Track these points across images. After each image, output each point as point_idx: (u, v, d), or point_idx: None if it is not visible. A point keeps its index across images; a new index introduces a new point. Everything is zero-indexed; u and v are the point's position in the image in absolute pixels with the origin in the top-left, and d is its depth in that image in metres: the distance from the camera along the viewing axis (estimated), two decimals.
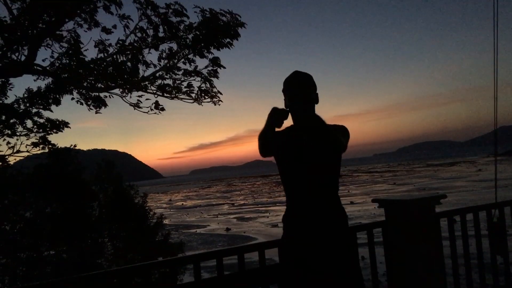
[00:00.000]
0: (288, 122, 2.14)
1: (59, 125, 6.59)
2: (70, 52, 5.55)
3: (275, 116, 1.98)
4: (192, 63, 5.88)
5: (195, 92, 6.08)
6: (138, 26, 5.46)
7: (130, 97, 5.96)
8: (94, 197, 14.09)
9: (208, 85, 6.02)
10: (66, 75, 5.73)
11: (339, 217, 2.05)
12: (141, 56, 5.73)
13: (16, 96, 6.19)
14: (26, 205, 12.05)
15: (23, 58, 5.03)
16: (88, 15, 5.48)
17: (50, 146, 6.61)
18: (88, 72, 5.67)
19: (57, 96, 6.22)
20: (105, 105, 6.19)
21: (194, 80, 6.03)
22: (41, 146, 6.50)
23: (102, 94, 6.08)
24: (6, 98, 5.96)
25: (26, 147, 6.34)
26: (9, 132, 6.15)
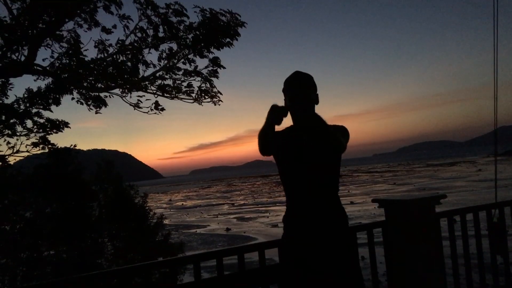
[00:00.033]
0: (288, 122, 2.13)
1: (59, 125, 6.59)
2: (70, 52, 5.55)
3: (275, 113, 1.97)
4: (192, 63, 5.89)
5: (195, 92, 6.09)
6: (138, 26, 5.47)
7: (130, 97, 5.97)
8: (94, 197, 14.09)
9: (208, 85, 6.03)
10: (66, 75, 5.73)
11: (339, 217, 2.05)
12: (141, 56, 5.73)
13: (16, 96, 6.19)
14: (26, 205, 12.04)
15: (23, 58, 5.03)
16: (88, 15, 5.48)
17: (50, 146, 6.60)
18: (88, 72, 5.67)
19: (57, 96, 6.21)
20: (105, 105, 6.19)
21: (194, 80, 6.04)
22: (41, 146, 6.49)
23: (102, 94, 6.09)
24: (6, 98, 5.96)
25: (26, 147, 6.33)
26: (9, 132, 6.14)
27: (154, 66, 5.86)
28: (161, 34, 5.60)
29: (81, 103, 6.20)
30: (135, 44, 5.63)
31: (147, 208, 16.04)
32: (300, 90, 2.01)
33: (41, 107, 6.31)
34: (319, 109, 2.05)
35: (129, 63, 5.72)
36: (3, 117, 6.01)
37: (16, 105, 6.15)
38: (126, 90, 5.91)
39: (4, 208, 11.03)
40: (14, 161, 6.65)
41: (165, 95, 6.04)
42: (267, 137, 2.00)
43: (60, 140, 7.19)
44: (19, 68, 5.00)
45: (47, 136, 6.52)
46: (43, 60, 5.59)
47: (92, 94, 6.10)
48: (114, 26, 5.47)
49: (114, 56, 5.68)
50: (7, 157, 6.12)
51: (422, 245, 2.66)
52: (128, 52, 5.69)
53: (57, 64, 5.66)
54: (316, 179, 2.01)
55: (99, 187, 15.37)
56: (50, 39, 5.50)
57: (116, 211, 14.18)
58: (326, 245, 1.97)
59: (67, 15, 5.06)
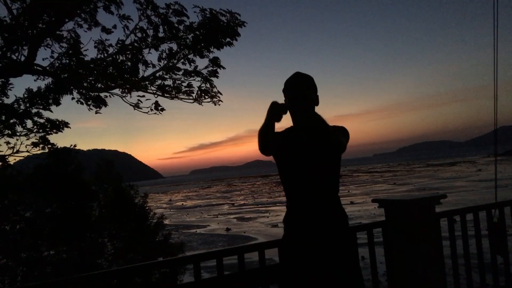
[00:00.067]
0: (288, 122, 2.13)
1: (59, 125, 6.59)
2: (70, 52, 5.55)
3: (274, 109, 1.98)
4: (192, 63, 5.89)
5: (195, 92, 6.09)
6: (138, 26, 5.46)
7: (130, 97, 5.97)
8: (94, 197, 14.09)
9: (208, 85, 6.03)
10: (66, 75, 5.73)
11: (339, 217, 2.05)
12: (141, 56, 5.73)
13: (16, 96, 6.19)
14: (26, 205, 12.05)
15: (23, 58, 5.03)
16: (88, 15, 5.48)
17: (50, 146, 6.60)
18: (88, 72, 5.68)
19: (57, 96, 6.21)
20: (105, 104, 6.19)
21: (194, 80, 6.03)
22: (41, 146, 6.50)
23: (102, 94, 6.09)
24: (6, 98, 5.96)
25: (26, 147, 6.33)
26: (9, 132, 6.14)
27: (154, 66, 5.87)
28: (161, 34, 5.60)
29: (81, 103, 6.20)
30: (135, 44, 5.63)
31: (147, 208, 16.03)
32: (300, 91, 2.01)
33: (41, 107, 6.31)
34: (319, 110, 2.05)
35: (129, 63, 5.72)
36: (3, 117, 6.01)
37: (16, 105, 6.15)
38: (126, 90, 5.91)
39: (4, 208, 11.03)
40: (14, 161, 6.65)
41: (165, 95, 6.04)
42: (267, 137, 2.00)
43: (60, 140, 7.19)
44: (19, 68, 5.00)
45: (47, 136, 6.53)
46: (44, 59, 5.61)
47: (92, 94, 6.10)
48: (114, 26, 5.47)
49: (114, 56, 5.68)
50: (7, 157, 6.12)
51: (422, 245, 2.66)
52: (128, 52, 5.69)
53: (57, 64, 5.66)
54: (316, 179, 2.01)
55: (99, 187, 15.37)
56: (50, 39, 5.50)
57: (116, 211, 14.18)
58: (326, 245, 1.96)
59: (67, 15, 5.06)
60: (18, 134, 6.25)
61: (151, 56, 7.58)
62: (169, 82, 6.02)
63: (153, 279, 11.32)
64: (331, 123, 2.03)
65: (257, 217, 43.14)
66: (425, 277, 2.66)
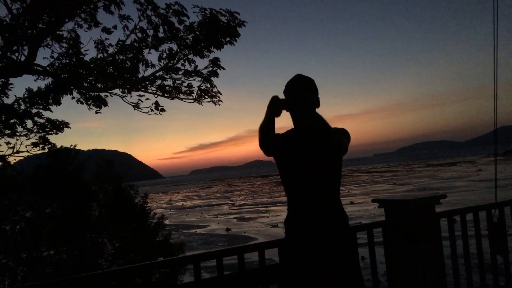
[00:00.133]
0: (289, 123, 2.13)
1: (59, 125, 6.59)
2: (70, 52, 5.55)
3: (275, 104, 1.99)
4: (192, 63, 5.89)
5: (195, 92, 6.09)
6: (138, 26, 5.46)
7: (131, 97, 5.97)
8: (94, 197, 14.08)
9: (208, 85, 6.03)
10: (66, 75, 5.73)
11: (339, 217, 2.05)
12: (141, 56, 5.73)
13: (16, 96, 6.20)
14: (26, 205, 12.05)
15: (23, 58, 5.03)
16: (88, 15, 5.48)
17: (50, 146, 6.61)
18: (88, 72, 5.68)
19: (57, 96, 6.21)
20: (106, 104, 6.19)
21: (194, 80, 6.04)
22: (41, 146, 6.50)
23: (102, 94, 6.09)
24: (6, 98, 5.97)
25: (26, 147, 6.34)
26: (9, 132, 6.15)
27: (154, 66, 5.87)
28: (161, 35, 5.60)
29: (81, 103, 6.20)
30: (135, 44, 5.63)
31: (147, 208, 16.03)
32: (301, 93, 2.02)
33: (41, 107, 6.31)
34: (319, 111, 2.05)
35: (129, 63, 5.72)
36: (3, 117, 6.01)
37: (16, 105, 6.15)
38: (126, 90, 5.91)
39: (4, 208, 11.03)
40: (14, 161, 6.66)
41: (165, 95, 6.04)
42: (267, 137, 2.01)
43: (60, 140, 7.20)
44: (19, 68, 5.00)
45: (47, 136, 6.53)
46: (43, 58, 5.60)
47: (92, 94, 6.10)
48: (115, 27, 5.47)
49: (114, 56, 5.68)
50: (7, 157, 6.13)
51: (422, 245, 2.66)
52: (128, 52, 5.69)
53: (57, 64, 5.66)
54: (316, 179, 2.01)
55: (99, 187, 15.37)
56: (50, 39, 5.49)
57: (116, 211, 14.18)
58: (326, 245, 1.97)
59: (67, 15, 5.06)
60: (18, 134, 6.26)
61: (151, 56, 7.58)
62: (169, 82, 6.03)
63: (153, 279, 11.32)
64: (331, 123, 2.03)
65: (257, 217, 43.13)
66: (425, 277, 2.66)
